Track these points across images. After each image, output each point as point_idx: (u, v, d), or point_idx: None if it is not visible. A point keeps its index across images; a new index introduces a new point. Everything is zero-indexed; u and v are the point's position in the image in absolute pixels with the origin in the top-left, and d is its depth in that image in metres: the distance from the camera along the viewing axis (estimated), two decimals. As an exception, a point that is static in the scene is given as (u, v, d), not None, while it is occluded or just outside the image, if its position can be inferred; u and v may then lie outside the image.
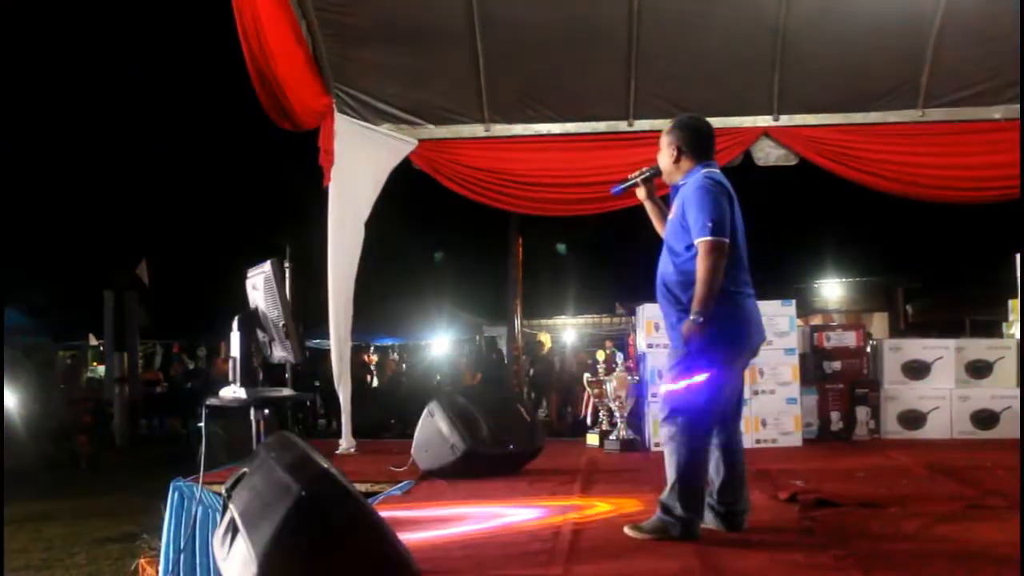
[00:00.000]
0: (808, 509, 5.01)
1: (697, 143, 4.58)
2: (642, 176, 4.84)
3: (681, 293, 4.41)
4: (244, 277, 4.72)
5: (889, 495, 5.37)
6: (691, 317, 4.26)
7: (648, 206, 4.90)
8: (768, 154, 8.63)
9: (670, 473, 4.38)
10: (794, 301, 8.11)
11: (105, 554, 8.77)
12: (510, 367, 19.02)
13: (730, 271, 4.32)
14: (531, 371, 20.25)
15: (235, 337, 4.39)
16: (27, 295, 26.10)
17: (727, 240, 4.29)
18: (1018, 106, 7.78)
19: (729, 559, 4.01)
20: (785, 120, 8.54)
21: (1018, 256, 8.40)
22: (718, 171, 4.53)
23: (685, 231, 4.38)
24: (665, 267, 4.55)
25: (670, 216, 4.59)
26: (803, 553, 4.05)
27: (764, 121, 8.55)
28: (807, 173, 8.89)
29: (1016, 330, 8.87)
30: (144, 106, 22.39)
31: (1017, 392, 7.83)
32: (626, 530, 4.47)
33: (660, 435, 4.68)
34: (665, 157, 4.62)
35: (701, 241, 4.26)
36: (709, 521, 4.48)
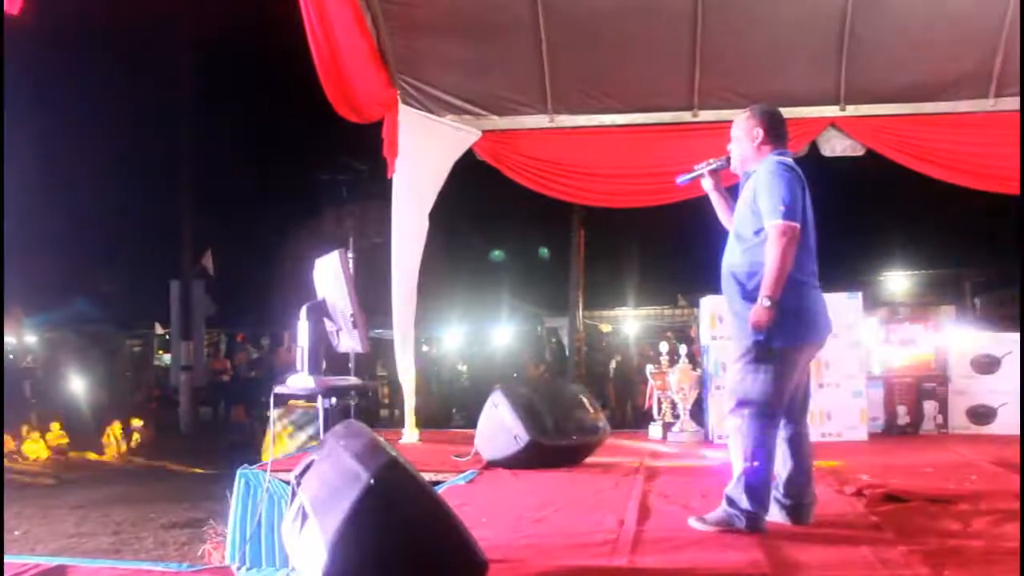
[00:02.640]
0: (875, 504, 4.95)
1: (775, 129, 4.56)
2: (709, 167, 4.83)
3: (747, 280, 4.38)
4: (311, 267, 4.76)
5: (958, 491, 5.28)
6: (759, 301, 4.23)
7: (714, 197, 4.87)
8: (834, 145, 8.53)
9: (736, 465, 4.35)
10: (860, 294, 8.01)
11: (172, 539, 8.91)
12: (570, 358, 19.04)
13: (799, 260, 4.28)
14: (592, 361, 20.20)
15: (303, 326, 4.44)
16: (95, 284, 26.59)
17: (798, 225, 4.25)
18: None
19: (796, 553, 3.98)
20: (852, 110, 8.43)
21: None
22: (791, 158, 4.50)
23: (755, 216, 4.35)
24: (731, 254, 4.53)
25: (740, 201, 4.55)
26: (871, 548, 4.00)
27: (830, 112, 8.45)
28: (873, 164, 8.78)
29: None
30: (210, 96, 22.61)
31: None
32: (691, 522, 4.45)
33: (726, 427, 4.65)
34: (743, 143, 4.59)
35: (772, 224, 4.23)
36: (775, 514, 4.45)
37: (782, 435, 4.44)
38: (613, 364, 19.84)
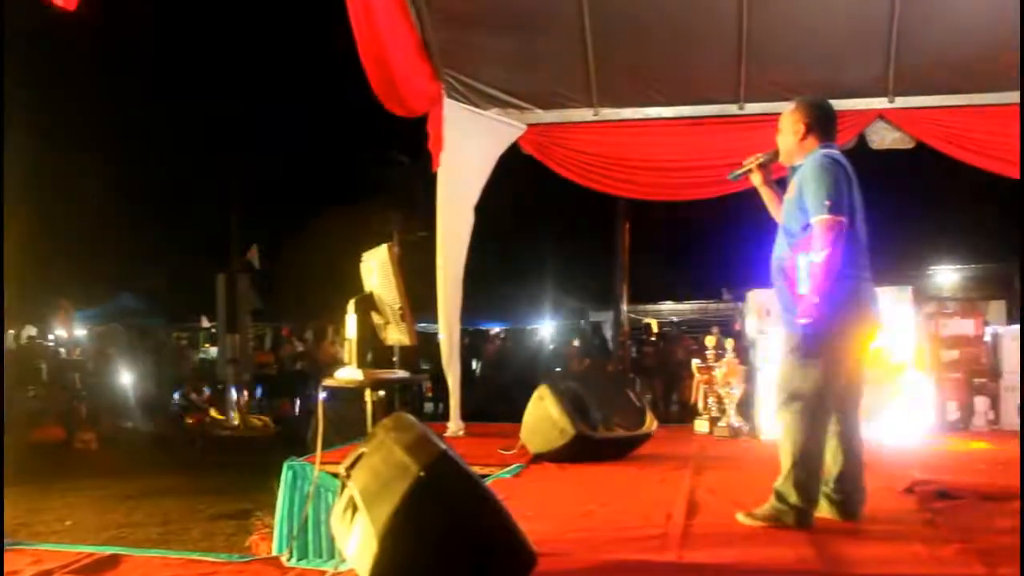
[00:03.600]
0: (927, 501, 4.90)
1: (821, 123, 4.52)
2: (758, 162, 4.80)
3: (795, 274, 4.35)
4: (356, 261, 4.78)
5: (1010, 489, 5.21)
6: (806, 297, 4.20)
7: (764, 192, 4.84)
8: (883, 137, 8.44)
9: (785, 460, 4.33)
10: (910, 288, 7.93)
11: (219, 529, 8.96)
12: (615, 352, 18.99)
13: (848, 253, 4.24)
14: (636, 355, 20.13)
15: (351, 319, 4.45)
16: (142, 279, 26.87)
17: (844, 219, 4.21)
18: None
19: (846, 548, 3.95)
20: (901, 102, 8.34)
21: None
22: (838, 151, 4.46)
23: (802, 211, 4.32)
24: (780, 249, 4.50)
25: (787, 196, 4.53)
26: (924, 545, 3.96)
27: (879, 104, 8.35)
28: (922, 156, 8.67)
29: None
30: (256, 91, 22.77)
31: None
32: (739, 517, 4.43)
33: (775, 421, 4.62)
34: (788, 136, 4.57)
35: (818, 220, 4.20)
36: (824, 510, 4.42)
37: (833, 430, 4.40)
38: (658, 358, 19.76)
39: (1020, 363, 7.72)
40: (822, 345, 4.23)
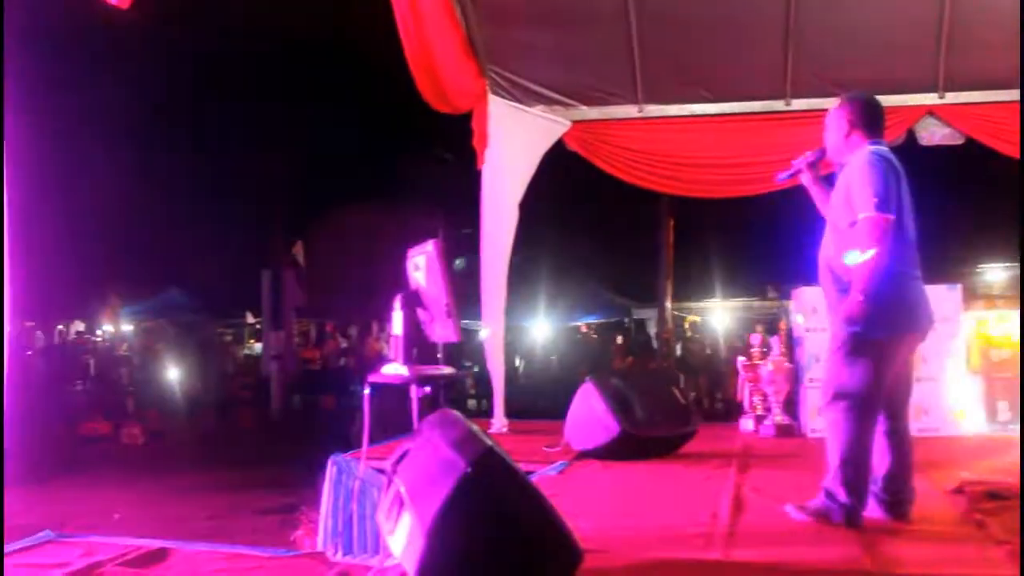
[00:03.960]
0: (977, 501, 4.83)
1: (868, 119, 4.47)
2: (806, 161, 4.76)
3: (844, 272, 4.29)
4: (399, 257, 4.80)
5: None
6: (851, 294, 4.16)
7: (813, 191, 4.79)
8: (932, 133, 8.35)
9: (833, 459, 4.29)
10: (959, 286, 7.83)
11: (265, 524, 9.03)
12: (659, 350, 18.94)
13: (897, 250, 4.19)
14: (680, 353, 20.07)
15: (397, 316, 4.47)
16: (188, 274, 27.13)
17: (892, 217, 4.15)
18: None
19: (894, 548, 3.91)
20: (951, 98, 8.24)
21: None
22: (886, 148, 4.41)
23: (849, 208, 4.27)
24: (827, 246, 4.46)
25: (834, 194, 4.48)
26: (973, 546, 3.92)
27: (929, 99, 8.26)
28: (971, 152, 8.56)
29: None
30: (302, 88, 22.87)
31: None
32: (788, 509, 4.41)
33: (822, 420, 4.58)
34: (833, 133, 4.52)
35: (865, 217, 4.15)
36: (872, 509, 4.38)
37: (881, 429, 4.35)
38: (702, 356, 19.71)
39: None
40: (870, 343, 4.19)
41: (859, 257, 4.15)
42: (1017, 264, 25.41)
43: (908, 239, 4.32)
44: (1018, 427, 7.48)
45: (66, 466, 12.36)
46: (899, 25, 7.91)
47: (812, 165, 4.75)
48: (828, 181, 4.72)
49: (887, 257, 4.13)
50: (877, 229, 4.11)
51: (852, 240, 4.22)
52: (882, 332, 4.21)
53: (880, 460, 4.37)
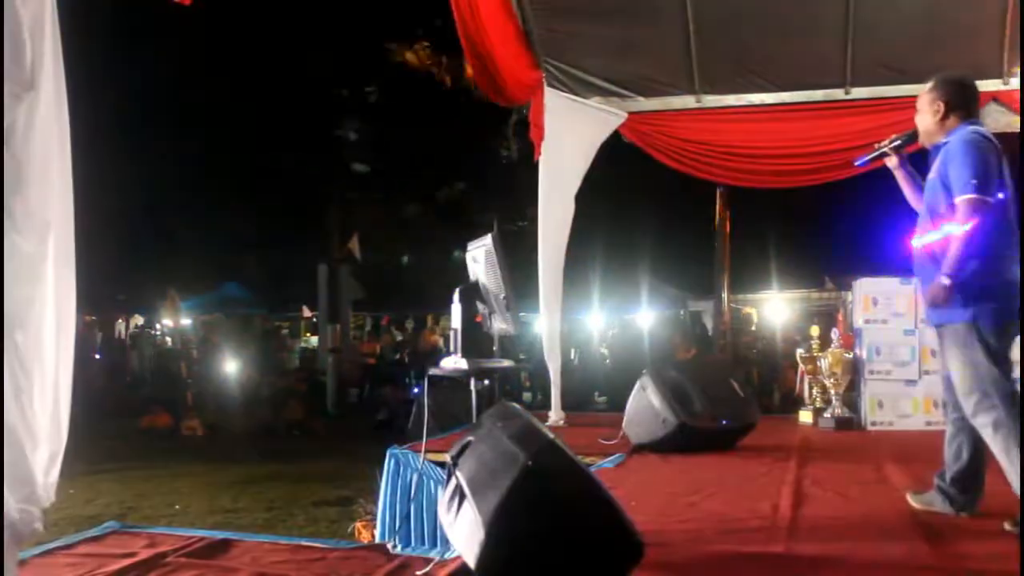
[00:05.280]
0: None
1: (963, 99, 4.32)
2: (892, 144, 4.62)
3: (944, 258, 4.11)
4: (454, 251, 4.81)
5: None
6: (939, 278, 4.03)
7: (899, 175, 4.64)
8: (996, 120, 8.15)
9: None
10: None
11: (323, 516, 9.10)
12: (716, 342, 18.79)
13: (997, 234, 4.04)
14: (737, 346, 19.92)
15: (456, 308, 4.47)
16: (246, 270, 27.42)
17: (991, 199, 4.01)
18: None
19: (959, 543, 3.85)
20: (1016, 83, 8.07)
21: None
22: (984, 128, 4.25)
23: (947, 190, 4.13)
24: (924, 231, 4.31)
25: (931, 176, 4.32)
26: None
27: (992, 85, 8.07)
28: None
29: None
30: (356, 81, 23.02)
31: None
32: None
33: (979, 427, 4.17)
34: (927, 116, 4.36)
35: (962, 199, 4.01)
36: (937, 503, 4.31)
37: (961, 424, 4.23)
38: (755, 349, 19.55)
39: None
40: (974, 331, 4.04)
41: (955, 234, 4.03)
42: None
43: (1010, 222, 4.15)
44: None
45: (129, 459, 12.55)
46: (962, 9, 7.76)
47: (899, 148, 4.62)
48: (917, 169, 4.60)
49: (985, 240, 3.99)
50: (976, 211, 3.97)
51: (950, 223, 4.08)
52: (989, 320, 4.03)
53: (954, 455, 4.29)
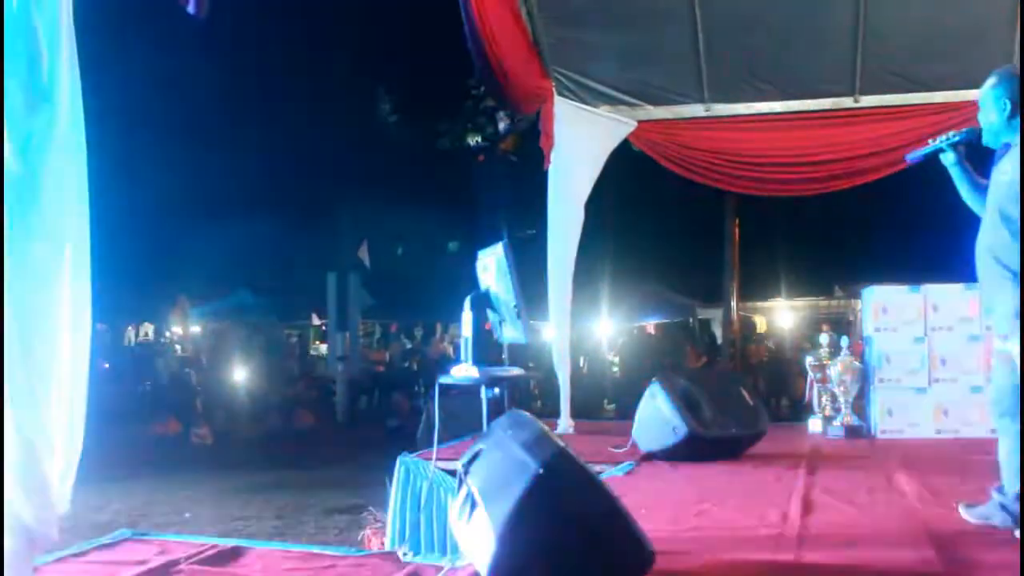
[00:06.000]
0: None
1: None
2: (949, 141, 4.43)
3: (1012, 260, 3.96)
4: (464, 259, 4.84)
5: None
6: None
7: (955, 173, 4.45)
8: (1009, 129, 8.17)
9: None
10: None
11: (332, 524, 9.12)
12: (725, 350, 18.81)
13: None
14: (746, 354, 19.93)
15: (467, 317, 4.50)
16: (256, 276, 27.46)
17: None
18: None
19: (971, 552, 3.83)
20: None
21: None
22: None
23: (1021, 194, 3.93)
24: (995, 236, 4.08)
25: (1001, 177, 4.11)
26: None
27: (1001, 91, 8.07)
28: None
29: None
30: (366, 90, 23.08)
31: None
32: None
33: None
34: (993, 114, 4.18)
35: None
36: (996, 517, 4.18)
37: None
38: (761, 357, 19.54)
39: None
40: None
41: None
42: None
43: None
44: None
45: (139, 466, 12.58)
46: (973, 16, 7.75)
47: (957, 145, 4.43)
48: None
49: None
50: None
51: None
52: None
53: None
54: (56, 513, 2.81)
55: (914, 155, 4.65)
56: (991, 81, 4.23)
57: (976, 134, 4.33)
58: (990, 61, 7.82)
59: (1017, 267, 3.95)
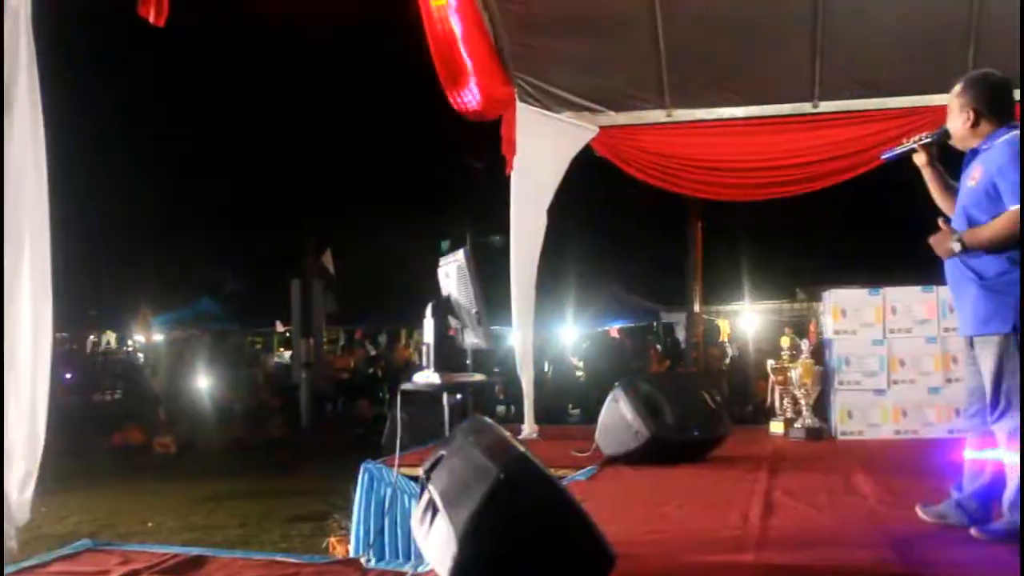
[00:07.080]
0: None
1: (997, 101, 4.15)
2: (921, 141, 4.43)
3: (985, 268, 4.01)
4: (426, 265, 4.84)
5: None
6: (953, 236, 4.00)
7: (927, 173, 4.48)
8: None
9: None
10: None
11: (297, 531, 9.10)
12: (688, 354, 18.85)
13: None
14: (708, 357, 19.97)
15: (428, 323, 4.50)
16: (219, 284, 27.34)
17: None
18: None
19: (929, 553, 3.88)
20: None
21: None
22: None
23: (991, 200, 3.98)
24: None
25: (971, 184, 4.14)
26: (1010, 551, 3.87)
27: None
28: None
29: None
30: (329, 98, 23.02)
31: None
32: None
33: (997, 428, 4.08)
34: (958, 121, 4.22)
35: (1012, 210, 3.86)
36: (952, 516, 4.24)
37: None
38: (728, 360, 19.61)
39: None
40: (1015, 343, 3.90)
41: (988, 226, 3.96)
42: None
43: None
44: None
45: (101, 476, 12.48)
46: (930, 23, 7.81)
47: (929, 146, 4.44)
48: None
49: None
50: (1020, 223, 3.83)
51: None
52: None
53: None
54: (15, 524, 2.79)
55: (889, 154, 4.67)
56: (957, 88, 4.27)
57: (946, 134, 4.35)
58: (947, 67, 7.96)
59: (983, 271, 4.01)
